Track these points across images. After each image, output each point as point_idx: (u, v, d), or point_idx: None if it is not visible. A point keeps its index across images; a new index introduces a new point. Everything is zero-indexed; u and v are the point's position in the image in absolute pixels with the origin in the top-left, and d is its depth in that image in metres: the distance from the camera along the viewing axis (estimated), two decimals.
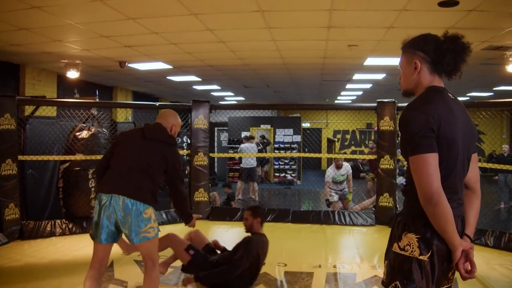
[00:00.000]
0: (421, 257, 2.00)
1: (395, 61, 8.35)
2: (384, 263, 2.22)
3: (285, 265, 5.25)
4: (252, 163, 12.42)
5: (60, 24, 5.61)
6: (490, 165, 8.36)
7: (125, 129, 11.01)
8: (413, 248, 2.03)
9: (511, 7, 5.00)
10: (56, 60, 7.96)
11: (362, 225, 7.57)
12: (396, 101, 7.69)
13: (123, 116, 11.85)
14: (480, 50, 7.17)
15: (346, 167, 9.01)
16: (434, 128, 1.97)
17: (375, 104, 7.78)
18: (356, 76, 10.76)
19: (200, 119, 7.96)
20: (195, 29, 5.95)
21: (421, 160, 1.97)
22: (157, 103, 8.17)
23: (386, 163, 7.62)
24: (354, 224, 7.60)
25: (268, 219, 7.79)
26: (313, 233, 7.12)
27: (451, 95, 2.16)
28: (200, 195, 7.97)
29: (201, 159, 8.01)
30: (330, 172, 9.03)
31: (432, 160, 1.97)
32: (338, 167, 8.90)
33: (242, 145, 12.82)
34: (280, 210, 8.12)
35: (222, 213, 8.12)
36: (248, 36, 6.53)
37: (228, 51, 7.53)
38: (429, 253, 2.00)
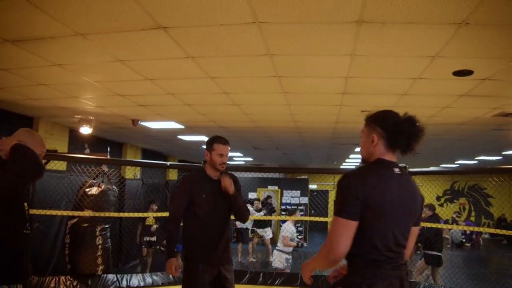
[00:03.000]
0: None
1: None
2: None
3: None
4: (245, 224, 12.34)
5: (78, 82, 5.69)
6: None
7: (133, 186, 11.14)
8: None
9: None
10: (70, 115, 8.04)
11: None
12: (407, 166, 7.64)
13: (132, 173, 11.85)
14: (491, 116, 7.21)
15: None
16: (360, 197, 2.23)
17: None
18: None
19: None
20: (211, 91, 6.03)
21: (341, 223, 2.24)
22: (168, 163, 8.21)
23: None
24: None
25: (276, 283, 7.60)
26: None
27: (397, 170, 2.41)
28: None
29: None
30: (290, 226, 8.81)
31: (350, 226, 2.24)
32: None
33: None
34: (289, 274, 7.90)
35: None
36: (263, 100, 6.60)
37: (241, 113, 7.60)
38: None
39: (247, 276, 7.75)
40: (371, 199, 2.23)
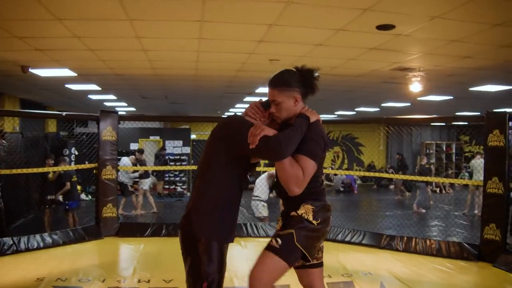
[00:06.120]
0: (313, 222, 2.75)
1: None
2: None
3: None
4: (120, 178, 11.25)
5: None
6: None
7: (13, 140, 10.17)
8: (308, 214, 2.76)
9: (432, 34, 5.44)
10: None
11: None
12: None
13: (10, 126, 10.80)
14: (389, 70, 7.66)
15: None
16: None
17: None
18: (260, 90, 10.82)
19: (108, 131, 7.54)
20: (123, 35, 5.61)
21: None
22: (64, 113, 7.54)
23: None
24: (267, 236, 7.55)
25: (168, 234, 7.51)
26: (229, 246, 6.95)
27: None
28: (109, 211, 7.51)
29: (109, 173, 7.57)
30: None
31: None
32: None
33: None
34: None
35: (132, 229, 7.70)
36: (174, 46, 6.32)
37: (145, 60, 7.23)
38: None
39: (149, 230, 7.57)
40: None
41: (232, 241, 2.76)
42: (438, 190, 17.31)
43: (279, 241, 2.69)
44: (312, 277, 2.95)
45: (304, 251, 2.69)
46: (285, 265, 2.67)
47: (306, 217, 2.73)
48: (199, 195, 2.71)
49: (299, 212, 2.75)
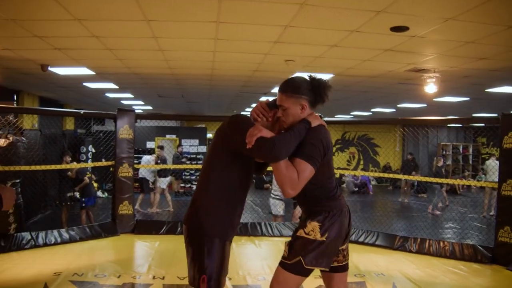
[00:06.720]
0: (321, 239, 2.69)
1: (320, 76, 8.73)
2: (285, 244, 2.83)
3: (230, 278, 5.16)
4: (143, 173, 12.13)
5: None
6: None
7: (32, 137, 10.36)
8: (315, 232, 2.71)
9: (447, 36, 5.45)
10: None
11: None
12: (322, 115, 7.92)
13: (30, 123, 11.00)
14: (404, 71, 7.66)
15: None
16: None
17: None
18: (275, 90, 10.86)
19: (125, 129, 7.66)
20: (141, 35, 5.72)
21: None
22: (82, 111, 7.69)
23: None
24: (281, 235, 7.63)
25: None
26: (243, 245, 7.06)
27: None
28: (125, 208, 7.63)
29: (125, 171, 7.69)
30: None
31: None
32: None
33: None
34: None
35: (148, 226, 7.81)
36: (191, 46, 6.40)
37: (162, 60, 7.32)
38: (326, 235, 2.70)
39: (165, 227, 7.69)
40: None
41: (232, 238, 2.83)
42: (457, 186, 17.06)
43: (291, 261, 2.70)
44: (331, 281, 2.95)
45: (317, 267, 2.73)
46: (300, 278, 2.74)
47: (313, 237, 2.69)
48: (202, 192, 2.79)
49: (307, 230, 2.72)
